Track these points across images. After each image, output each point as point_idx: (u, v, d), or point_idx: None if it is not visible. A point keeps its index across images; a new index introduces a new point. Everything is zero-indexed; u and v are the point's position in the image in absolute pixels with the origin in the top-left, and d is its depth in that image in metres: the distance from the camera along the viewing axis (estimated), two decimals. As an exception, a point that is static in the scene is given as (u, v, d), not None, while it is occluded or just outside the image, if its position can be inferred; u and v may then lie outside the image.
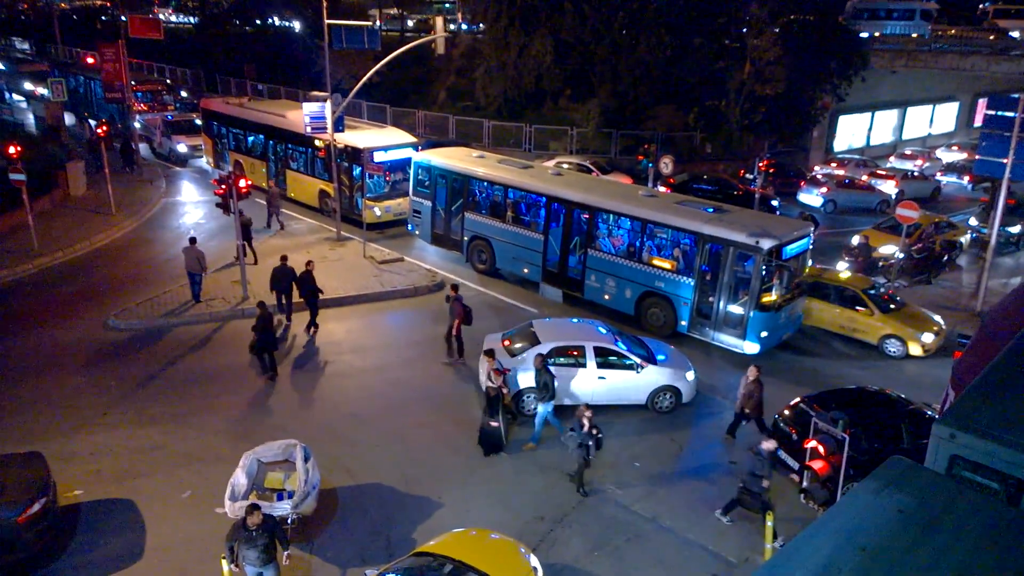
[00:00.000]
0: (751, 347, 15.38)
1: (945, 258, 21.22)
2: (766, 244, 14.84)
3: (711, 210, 16.60)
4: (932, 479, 3.85)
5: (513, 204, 19.21)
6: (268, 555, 8.51)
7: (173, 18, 78.23)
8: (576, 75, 37.05)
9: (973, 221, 25.36)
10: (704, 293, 15.92)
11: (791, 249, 15.51)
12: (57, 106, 33.72)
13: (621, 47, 33.68)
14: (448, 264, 20.99)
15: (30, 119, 38.55)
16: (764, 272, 14.93)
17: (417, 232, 21.86)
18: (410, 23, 67.62)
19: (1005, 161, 17.57)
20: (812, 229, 16.90)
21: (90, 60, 33.62)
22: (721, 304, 15.66)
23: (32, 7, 73.16)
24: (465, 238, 20.31)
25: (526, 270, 19.21)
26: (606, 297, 17.60)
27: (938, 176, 34.07)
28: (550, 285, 18.81)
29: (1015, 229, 23.82)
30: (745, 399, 12.47)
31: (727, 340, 15.75)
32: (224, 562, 8.61)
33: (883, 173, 32.28)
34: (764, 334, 15.36)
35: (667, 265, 16.45)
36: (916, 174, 33.11)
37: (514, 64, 36.76)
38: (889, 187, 30.58)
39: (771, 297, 15.28)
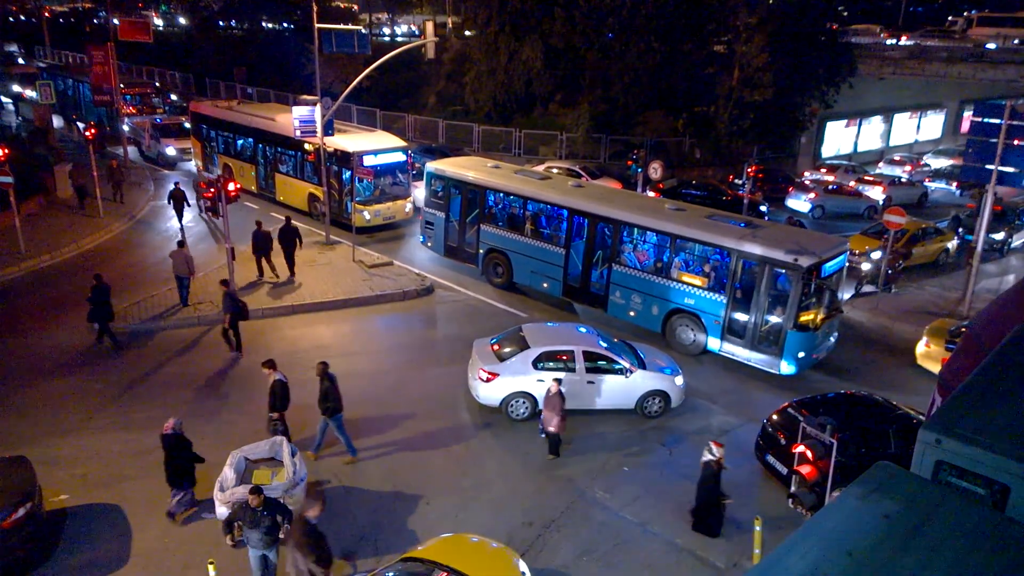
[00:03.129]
0: (787, 368, 14.82)
1: (899, 264, 20.85)
2: (805, 262, 14.27)
3: (743, 225, 16.09)
4: (918, 484, 3.87)
5: (532, 216, 18.55)
6: (271, 537, 8.77)
7: (159, 21, 77.81)
8: (566, 80, 37.16)
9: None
10: (737, 311, 15.33)
11: (830, 266, 14.93)
12: (45, 109, 33.48)
13: (611, 53, 33.85)
14: (438, 268, 20.97)
15: (17, 121, 38.27)
16: (802, 290, 14.35)
17: (429, 244, 21.10)
18: (400, 29, 67.61)
19: (991, 167, 17.75)
20: (848, 245, 16.30)
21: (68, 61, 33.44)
22: (756, 323, 15.07)
23: (21, 9, 72.72)
24: (480, 251, 19.66)
25: (545, 284, 18.49)
26: (631, 314, 17.01)
27: (926, 182, 34.38)
28: (570, 300, 18.34)
29: (999, 236, 24.03)
30: (549, 416, 11.90)
31: (761, 361, 15.15)
32: (211, 567, 8.57)
33: (870, 179, 32.52)
34: (801, 354, 14.78)
35: (697, 282, 15.88)
36: (904, 180, 33.38)
37: (504, 69, 36.86)
38: (877, 193, 30.81)
39: (809, 316, 14.70)
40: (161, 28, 71.93)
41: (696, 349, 16.10)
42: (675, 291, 16.24)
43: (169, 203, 23.02)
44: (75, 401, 13.50)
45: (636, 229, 16.81)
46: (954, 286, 21.51)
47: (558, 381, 12.03)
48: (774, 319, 14.92)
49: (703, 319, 15.84)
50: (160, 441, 10.29)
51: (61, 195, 25.39)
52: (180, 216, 22.76)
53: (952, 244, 23.65)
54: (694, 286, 15.96)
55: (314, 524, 8.20)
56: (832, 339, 16.25)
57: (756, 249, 14.91)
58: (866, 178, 32.68)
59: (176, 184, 23.27)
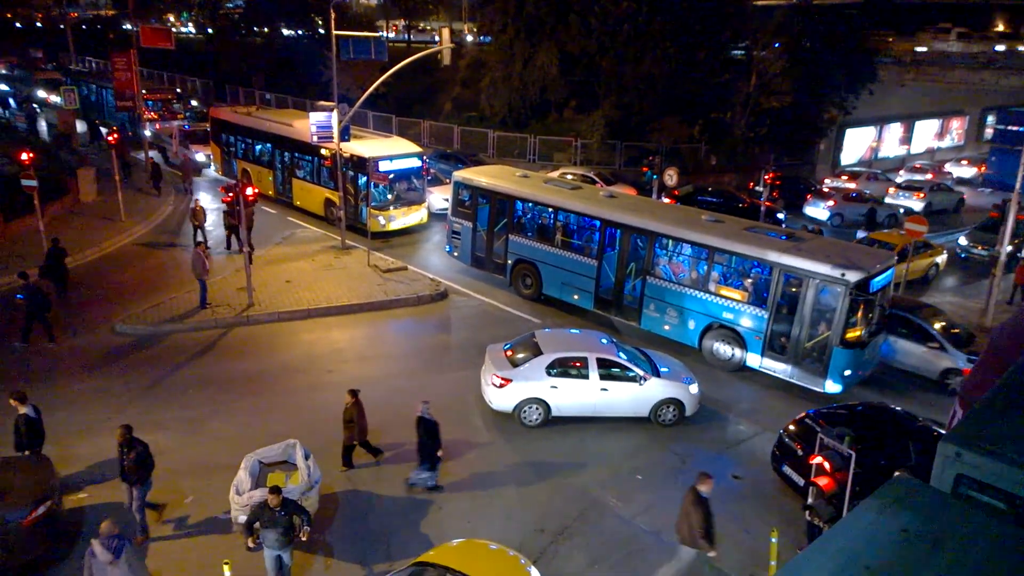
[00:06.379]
0: (833, 387, 14.30)
1: None
2: (853, 277, 13.80)
3: (784, 237, 15.69)
4: (937, 498, 3.82)
5: (563, 227, 18.22)
6: (287, 538, 8.86)
7: (191, 28, 78.89)
8: (581, 86, 37.20)
9: (963, 240, 25.12)
10: (779, 327, 14.87)
11: (878, 281, 14.42)
12: (69, 113, 33.98)
13: (626, 59, 33.83)
14: (452, 273, 21.01)
15: (42, 126, 38.89)
16: (850, 306, 13.90)
17: (456, 254, 20.82)
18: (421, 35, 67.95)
19: (1015, 175, 17.53)
20: (896, 259, 15.95)
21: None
22: (799, 339, 14.56)
23: (46, 17, 74.03)
24: (509, 261, 19.35)
25: (576, 297, 18.14)
26: (666, 328, 16.61)
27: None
28: (603, 313, 17.93)
29: (1007, 248, 23.32)
30: (345, 424, 11.61)
31: (805, 378, 14.67)
32: (227, 567, 8.62)
33: (906, 184, 32.55)
34: (847, 372, 14.30)
35: (737, 296, 15.44)
36: (943, 186, 33.27)
37: (519, 75, 36.95)
38: (914, 201, 30.95)
39: (856, 333, 14.25)
40: (182, 33, 72.98)
41: (734, 365, 15.69)
42: (713, 305, 15.79)
43: (150, 178, 27.70)
44: (95, 401, 13.64)
45: (672, 241, 16.40)
46: (951, 300, 21.24)
47: (352, 392, 11.61)
48: (819, 335, 14.42)
49: (743, 334, 15.47)
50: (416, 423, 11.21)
51: (84, 199, 25.74)
52: (158, 184, 27.43)
53: (941, 259, 23.15)
54: (733, 300, 15.50)
55: (705, 497, 9.19)
56: (880, 355, 15.84)
57: (801, 263, 14.44)
58: (904, 185, 32.63)
59: (150, 159, 28.91)
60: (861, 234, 25.81)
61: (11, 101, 43.71)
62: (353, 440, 11.83)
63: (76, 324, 16.75)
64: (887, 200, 31.76)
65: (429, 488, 11.43)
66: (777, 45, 32.28)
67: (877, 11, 35.56)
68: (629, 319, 17.42)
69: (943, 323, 16.25)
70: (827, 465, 10.23)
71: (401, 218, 23.56)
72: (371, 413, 13.58)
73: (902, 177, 36.47)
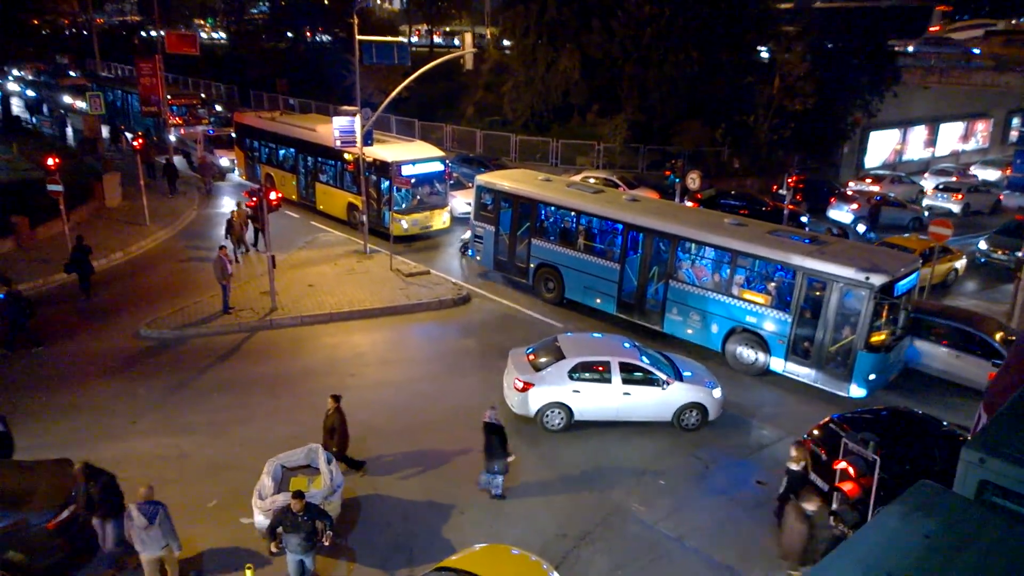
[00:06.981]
0: (857, 391, 14.26)
1: None
2: (878, 280, 13.72)
3: (808, 241, 15.64)
4: (960, 504, 3.78)
5: (585, 231, 18.28)
6: (309, 543, 8.95)
7: (217, 34, 79.99)
8: (603, 90, 37.16)
9: (983, 245, 24.67)
10: (803, 330, 14.82)
11: (903, 284, 14.35)
12: (95, 119, 34.63)
13: (649, 63, 33.72)
14: (475, 278, 21.10)
15: (69, 131, 39.67)
16: (874, 310, 13.86)
17: (478, 258, 20.97)
18: (439, 39, 68.35)
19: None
20: (921, 263, 15.82)
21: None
22: (823, 343, 14.50)
23: (73, 23, 75.42)
24: (531, 265, 19.40)
25: (598, 300, 18.16)
26: (689, 331, 16.60)
27: None
28: (625, 317, 17.85)
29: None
30: (328, 434, 11.26)
31: (829, 382, 14.62)
32: (249, 572, 8.72)
33: (944, 187, 32.36)
34: (872, 377, 14.24)
35: (760, 299, 15.41)
36: (980, 187, 33.04)
37: (542, 79, 37.01)
38: (952, 202, 31.06)
39: (881, 336, 14.25)
40: (209, 39, 74.05)
41: (758, 369, 15.62)
42: (736, 309, 15.74)
43: (163, 177, 28.23)
44: (119, 405, 13.87)
45: (695, 244, 16.37)
46: (996, 301, 20.88)
47: (334, 398, 11.32)
48: (843, 339, 14.34)
49: (766, 338, 15.38)
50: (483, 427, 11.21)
51: (110, 203, 26.21)
52: (173, 185, 28.03)
53: (960, 263, 22.71)
54: (757, 304, 15.46)
55: (809, 514, 9.11)
56: (905, 358, 15.66)
57: (825, 266, 14.38)
58: (940, 186, 32.43)
59: (167, 159, 29.14)
60: (862, 228, 25.65)
61: (44, 107, 44.67)
62: (333, 450, 11.25)
63: (101, 328, 17.06)
64: (925, 202, 31.66)
65: (494, 496, 11.41)
66: (811, 54, 31.93)
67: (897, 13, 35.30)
68: (652, 323, 17.36)
69: (1001, 334, 15.84)
70: (852, 470, 10.12)
71: (423, 222, 23.69)
72: (394, 417, 13.74)
73: (928, 180, 35.90)
